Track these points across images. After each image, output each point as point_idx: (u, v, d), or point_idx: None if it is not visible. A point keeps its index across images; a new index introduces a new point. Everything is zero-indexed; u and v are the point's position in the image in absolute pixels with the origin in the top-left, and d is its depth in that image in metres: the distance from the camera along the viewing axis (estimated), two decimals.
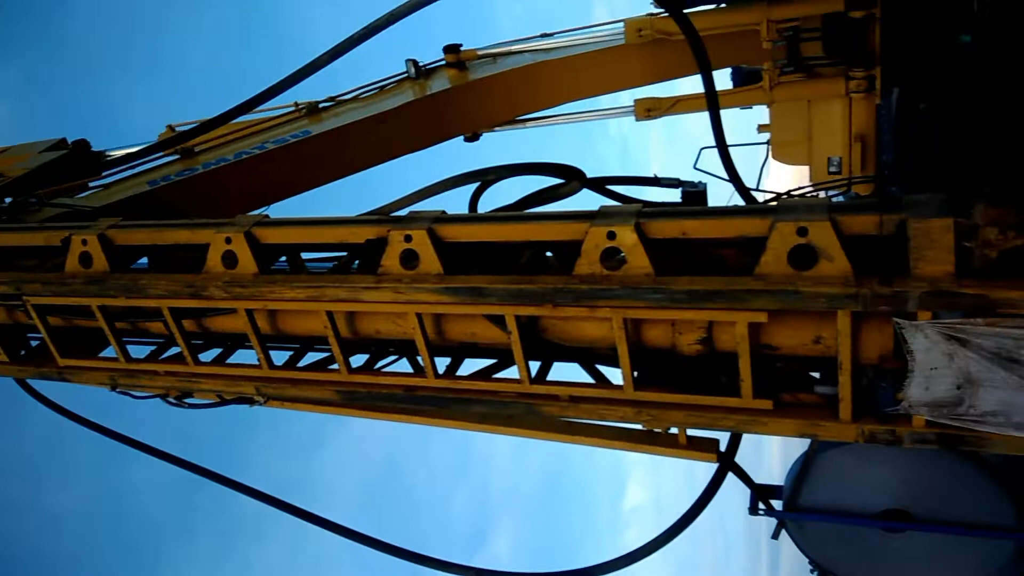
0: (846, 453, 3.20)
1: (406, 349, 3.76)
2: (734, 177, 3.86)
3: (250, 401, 4.40)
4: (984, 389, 2.57)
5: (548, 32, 7.55)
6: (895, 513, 3.24)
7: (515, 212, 3.59)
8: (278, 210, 5.88)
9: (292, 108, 6.71)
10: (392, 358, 3.88)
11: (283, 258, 3.91)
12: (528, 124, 8.37)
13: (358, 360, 3.85)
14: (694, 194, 3.77)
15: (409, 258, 3.38)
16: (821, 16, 7.04)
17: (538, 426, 3.62)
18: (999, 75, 6.46)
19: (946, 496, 3.17)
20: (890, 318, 2.70)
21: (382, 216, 3.69)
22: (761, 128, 8.66)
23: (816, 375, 3.15)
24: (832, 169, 7.42)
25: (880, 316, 2.77)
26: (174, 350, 4.23)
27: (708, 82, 3.79)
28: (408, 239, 3.36)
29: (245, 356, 4.20)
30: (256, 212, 4.28)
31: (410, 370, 3.72)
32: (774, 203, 3.18)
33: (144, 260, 4.35)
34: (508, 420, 3.61)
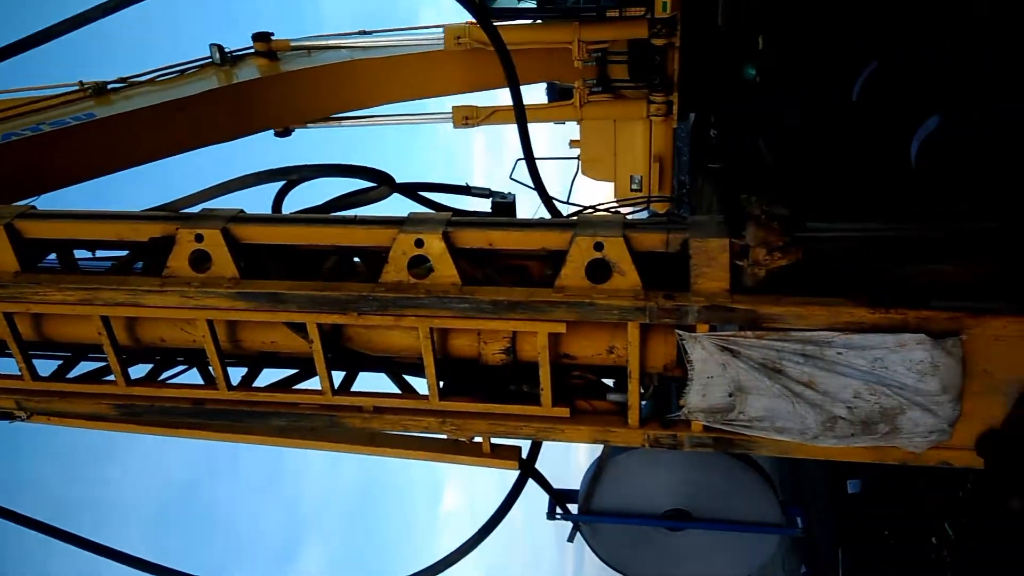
0: (635, 457, 3.39)
1: (196, 359, 3.48)
2: (540, 190, 3.97)
3: (10, 416, 3.86)
4: (752, 396, 2.83)
5: (367, 31, 7.39)
6: (677, 513, 3.50)
7: (320, 215, 3.44)
8: (53, 201, 5.23)
9: (76, 87, 6.02)
10: (180, 368, 3.57)
11: (52, 255, 3.48)
12: (345, 123, 8.14)
13: (140, 370, 3.51)
14: (503, 205, 3.84)
15: (200, 260, 3.13)
16: (628, 41, 7.49)
17: (342, 438, 3.49)
18: (779, 106, 7.23)
19: (722, 496, 3.46)
20: (673, 330, 2.90)
21: (170, 212, 3.39)
22: (572, 143, 9.05)
23: (610, 383, 3.31)
24: (634, 187, 7.93)
25: (665, 328, 2.96)
26: None
27: (515, 94, 3.88)
28: (199, 239, 3.11)
29: (4, 365, 3.67)
30: (23, 202, 3.76)
31: (200, 381, 3.45)
32: (575, 218, 3.30)
33: None
34: (310, 433, 3.45)
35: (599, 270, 2.98)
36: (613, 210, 3.46)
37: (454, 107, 8.15)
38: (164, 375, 3.55)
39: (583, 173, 8.87)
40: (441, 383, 3.27)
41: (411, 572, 3.59)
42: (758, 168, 6.95)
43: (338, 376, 3.35)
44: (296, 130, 7.58)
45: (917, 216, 3.23)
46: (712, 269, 2.86)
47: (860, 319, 2.69)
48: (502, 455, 3.44)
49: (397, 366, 3.34)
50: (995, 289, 2.85)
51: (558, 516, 3.57)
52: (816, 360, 2.71)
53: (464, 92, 7.93)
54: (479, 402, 3.20)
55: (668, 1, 6.75)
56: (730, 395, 2.85)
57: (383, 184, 3.57)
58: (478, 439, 3.38)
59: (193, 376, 3.55)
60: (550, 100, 8.64)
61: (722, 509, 3.45)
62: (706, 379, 2.87)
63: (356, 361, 3.31)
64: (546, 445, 3.49)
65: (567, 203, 3.86)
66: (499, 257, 3.29)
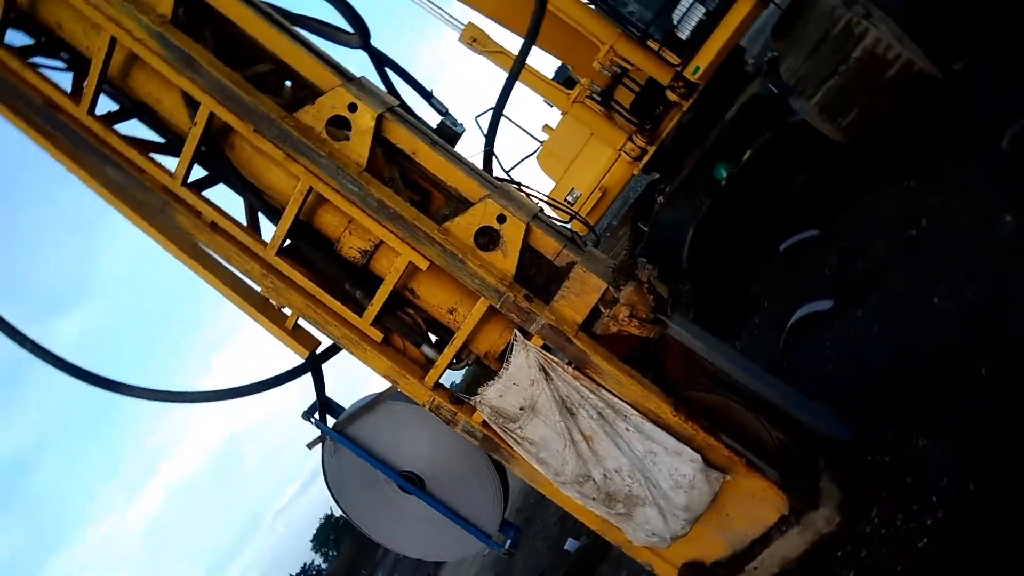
0: (410, 411, 3.40)
1: (78, 66, 3.20)
2: (489, 142, 3.92)
3: None
4: (538, 420, 2.92)
5: None
6: (415, 477, 3.55)
7: (283, 20, 3.23)
8: None
9: None
10: (57, 64, 3.27)
11: None
12: None
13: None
14: (449, 131, 3.76)
15: None
16: (648, 76, 7.52)
17: (164, 230, 3.24)
18: (724, 214, 7.46)
19: (461, 485, 3.54)
20: (514, 328, 2.95)
21: None
22: (545, 128, 9.01)
23: (434, 339, 3.32)
24: (568, 198, 7.99)
25: (507, 321, 3.01)
26: None
27: (526, 46, 3.80)
28: None
29: None
30: None
31: (69, 90, 3.17)
32: (499, 182, 3.29)
33: None
34: (136, 204, 3.22)
35: (488, 237, 2.99)
36: (536, 201, 3.46)
37: (470, 23, 7.90)
38: (37, 59, 3.23)
39: (537, 158, 8.86)
40: (287, 242, 3.18)
41: (153, 387, 3.47)
42: (673, 252, 7.19)
43: (198, 173, 3.19)
44: None
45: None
46: (578, 299, 2.94)
47: (661, 414, 2.84)
48: (299, 339, 3.36)
49: (259, 200, 3.20)
50: (777, 461, 3.09)
51: (312, 420, 3.54)
52: (606, 423, 2.84)
53: (488, 16, 7.68)
54: (310, 280, 3.12)
55: (702, 69, 6.83)
56: (521, 408, 2.94)
57: (360, 35, 3.41)
58: (288, 311, 3.30)
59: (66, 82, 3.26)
60: (554, 79, 8.50)
61: (453, 496, 3.53)
62: (512, 384, 2.94)
63: (225, 170, 3.15)
64: None
65: (504, 171, 3.81)
66: (413, 169, 3.23)
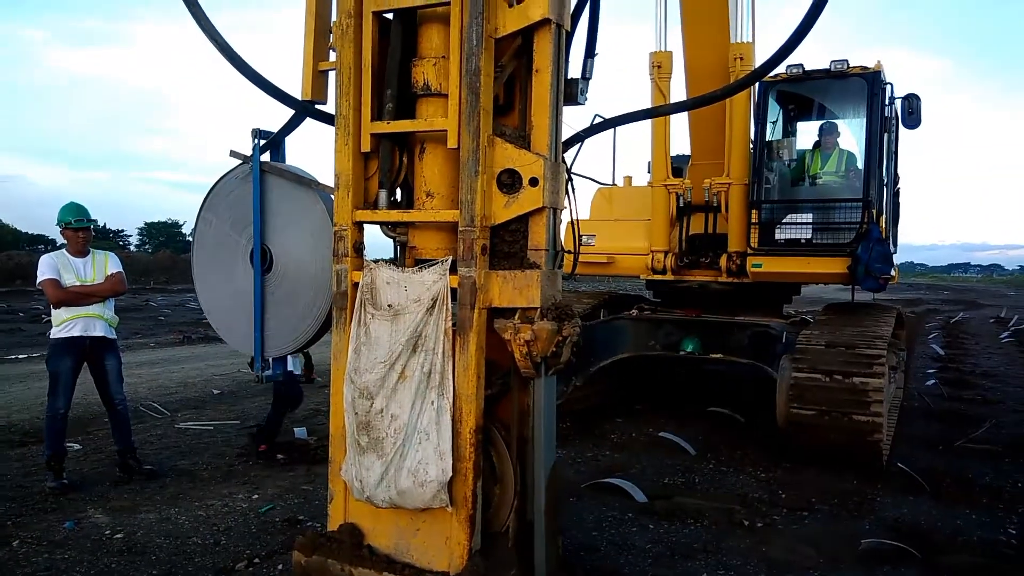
0: (320, 215, 3.31)
1: None
2: (587, 131, 3.93)
3: None
4: (387, 324, 2.93)
5: None
6: (269, 257, 3.48)
7: None
8: None
9: None
10: None
11: None
12: None
13: None
14: (573, 91, 3.74)
15: None
16: (726, 232, 7.59)
17: None
18: (657, 371, 7.51)
19: (288, 299, 3.48)
20: (449, 255, 2.96)
21: None
22: (625, 178, 9.03)
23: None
24: (583, 236, 8.00)
25: (451, 247, 3.02)
26: None
27: (675, 106, 3.86)
28: None
29: None
30: None
31: None
32: (564, 159, 3.30)
33: None
34: None
35: (513, 181, 2.98)
36: (566, 206, 3.46)
37: (668, 52, 7.77)
38: None
39: (596, 191, 8.88)
40: (389, 13, 3.13)
41: None
42: (596, 353, 7.29)
43: None
44: None
45: None
46: (510, 291, 2.95)
47: (464, 421, 2.87)
48: (315, 83, 3.33)
49: None
50: (488, 540, 3.16)
51: (255, 141, 3.48)
52: (424, 383, 2.86)
53: (686, 63, 7.54)
54: (373, 54, 3.09)
55: (761, 270, 6.92)
56: (389, 306, 2.94)
57: None
58: (332, 57, 3.25)
59: None
60: (672, 157, 8.47)
61: (275, 300, 3.50)
62: (403, 285, 2.95)
63: None
64: None
65: (570, 164, 3.79)
66: (520, 81, 3.21)
